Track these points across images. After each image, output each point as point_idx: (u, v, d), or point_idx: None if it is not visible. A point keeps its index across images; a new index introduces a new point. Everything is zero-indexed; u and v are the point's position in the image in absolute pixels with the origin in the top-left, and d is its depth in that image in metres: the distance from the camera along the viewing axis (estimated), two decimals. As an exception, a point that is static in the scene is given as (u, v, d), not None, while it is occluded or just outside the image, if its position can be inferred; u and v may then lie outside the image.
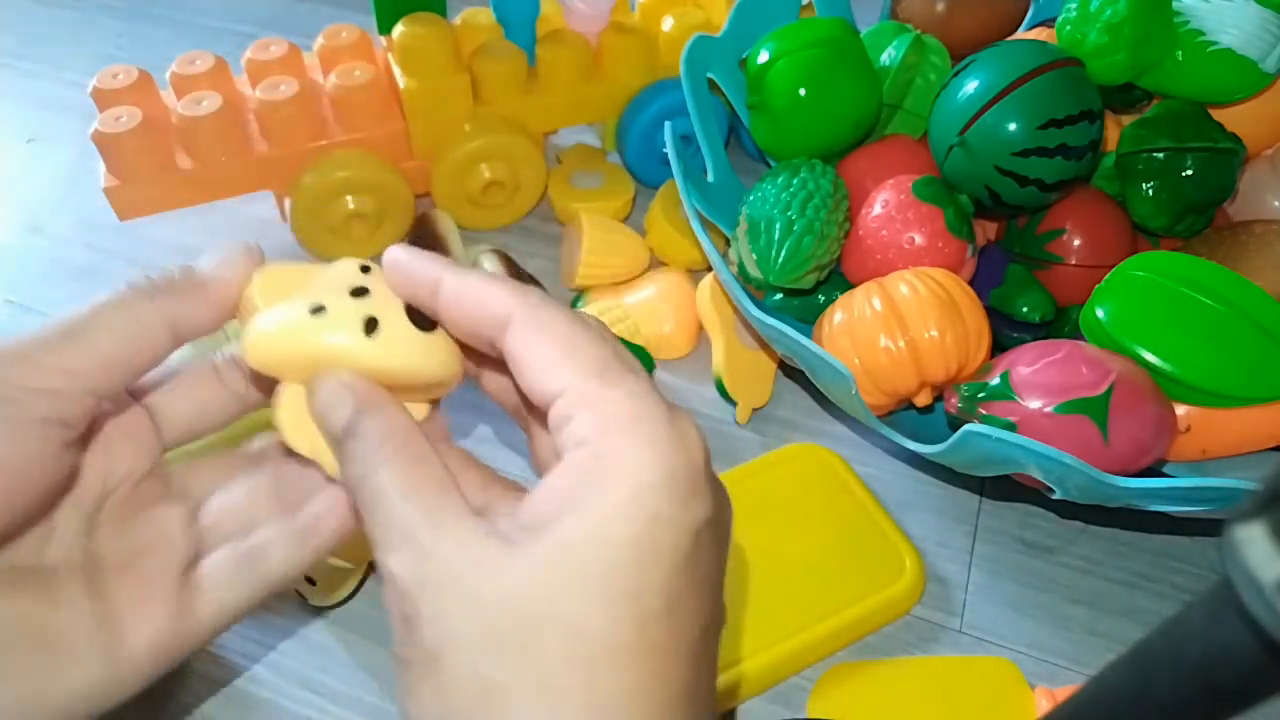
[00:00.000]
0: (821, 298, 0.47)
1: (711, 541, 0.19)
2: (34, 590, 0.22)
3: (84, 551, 0.23)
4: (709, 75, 0.50)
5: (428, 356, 0.23)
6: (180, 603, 0.23)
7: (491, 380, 0.26)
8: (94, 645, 0.22)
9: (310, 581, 0.38)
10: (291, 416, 0.23)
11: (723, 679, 0.37)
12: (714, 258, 0.43)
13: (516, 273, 0.50)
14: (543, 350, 0.20)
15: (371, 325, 0.22)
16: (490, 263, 0.50)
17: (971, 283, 0.44)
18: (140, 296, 0.22)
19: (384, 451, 0.20)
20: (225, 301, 0.23)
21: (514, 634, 0.17)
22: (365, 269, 0.24)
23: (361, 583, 0.40)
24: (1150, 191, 0.44)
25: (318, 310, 0.22)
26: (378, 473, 0.20)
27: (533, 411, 0.24)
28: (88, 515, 0.24)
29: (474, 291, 0.21)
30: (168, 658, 0.24)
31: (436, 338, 0.23)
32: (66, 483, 0.23)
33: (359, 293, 0.22)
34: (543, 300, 0.21)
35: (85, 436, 0.23)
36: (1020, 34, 0.54)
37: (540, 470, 0.24)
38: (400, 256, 0.23)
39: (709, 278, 0.49)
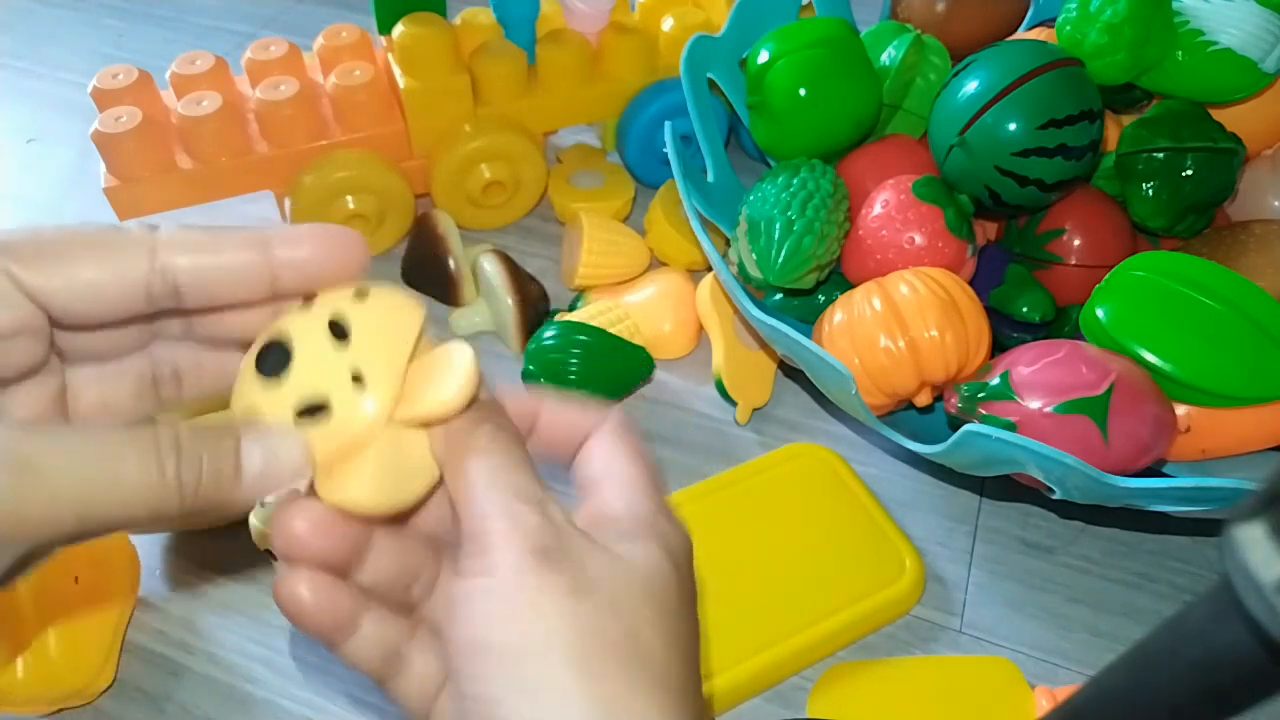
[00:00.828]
0: (821, 298, 0.47)
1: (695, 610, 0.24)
2: None
3: None
4: (709, 75, 0.50)
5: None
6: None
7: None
8: None
9: None
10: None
11: (723, 679, 0.37)
12: (714, 258, 0.43)
13: (516, 273, 0.50)
14: (622, 445, 0.25)
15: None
16: (490, 263, 0.50)
17: (971, 283, 0.44)
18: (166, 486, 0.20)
19: (516, 433, 0.23)
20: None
21: (636, 605, 0.21)
22: (338, 329, 0.22)
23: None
24: (1150, 191, 0.44)
25: (316, 411, 0.21)
26: (511, 442, 0.22)
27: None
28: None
29: (578, 401, 0.25)
30: None
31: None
32: None
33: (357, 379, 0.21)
34: (628, 420, 0.25)
35: None
36: (1020, 34, 0.54)
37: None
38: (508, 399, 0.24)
39: (709, 278, 0.49)
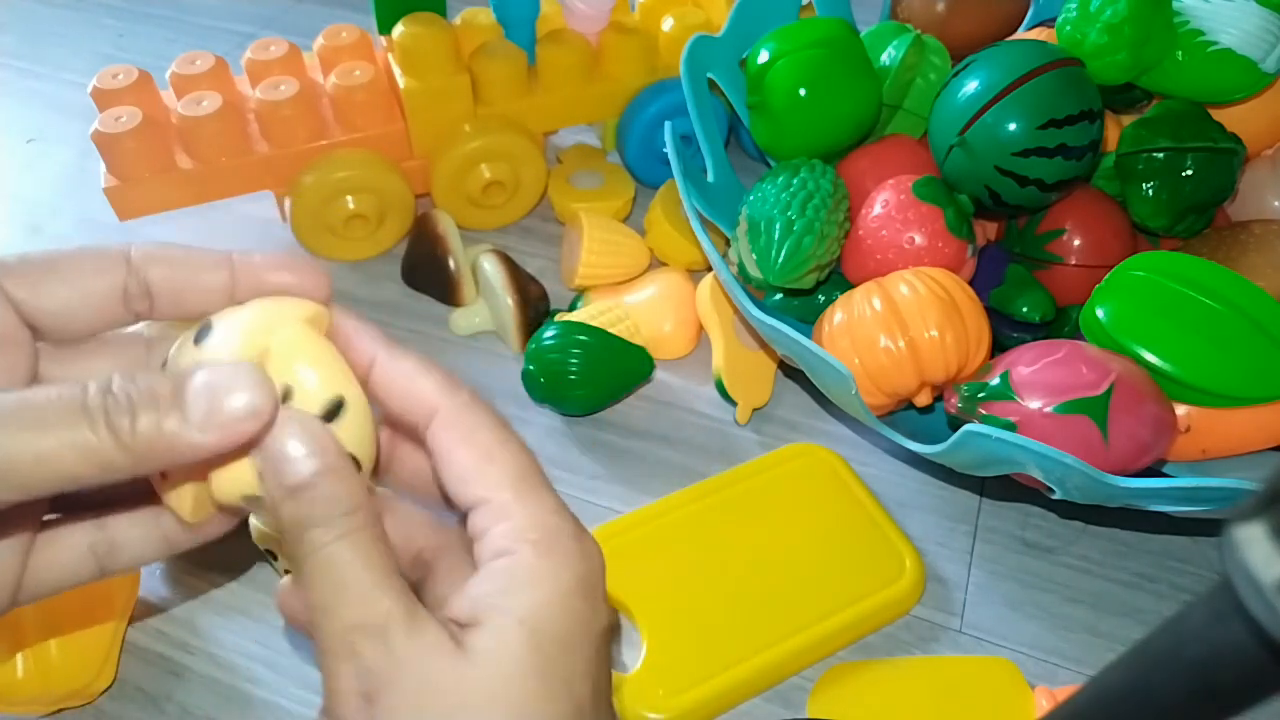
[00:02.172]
0: (821, 298, 0.47)
1: (610, 635, 0.22)
2: None
3: None
4: (709, 75, 0.50)
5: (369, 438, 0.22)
6: (13, 576, 0.22)
7: (408, 464, 0.25)
8: None
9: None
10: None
11: (723, 679, 0.37)
12: (714, 258, 0.43)
13: (516, 273, 0.50)
14: (463, 455, 0.22)
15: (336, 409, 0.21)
16: (490, 263, 0.50)
17: (971, 283, 0.44)
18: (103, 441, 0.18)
19: (351, 522, 0.20)
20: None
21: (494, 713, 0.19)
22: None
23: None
24: (1150, 191, 0.44)
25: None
26: (340, 544, 0.20)
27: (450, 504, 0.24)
28: None
29: (403, 380, 0.22)
30: None
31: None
32: None
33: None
34: (471, 400, 0.22)
35: None
36: (1020, 34, 0.54)
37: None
38: (345, 326, 0.22)
39: (709, 278, 0.49)
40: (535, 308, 0.50)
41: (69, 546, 0.23)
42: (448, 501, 0.23)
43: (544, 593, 0.20)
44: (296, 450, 0.20)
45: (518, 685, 0.20)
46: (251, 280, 0.22)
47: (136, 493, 0.23)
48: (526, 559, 0.21)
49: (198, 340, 0.21)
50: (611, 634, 0.22)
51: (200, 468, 0.21)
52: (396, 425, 0.23)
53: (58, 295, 0.21)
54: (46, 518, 0.23)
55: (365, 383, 0.22)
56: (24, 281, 0.21)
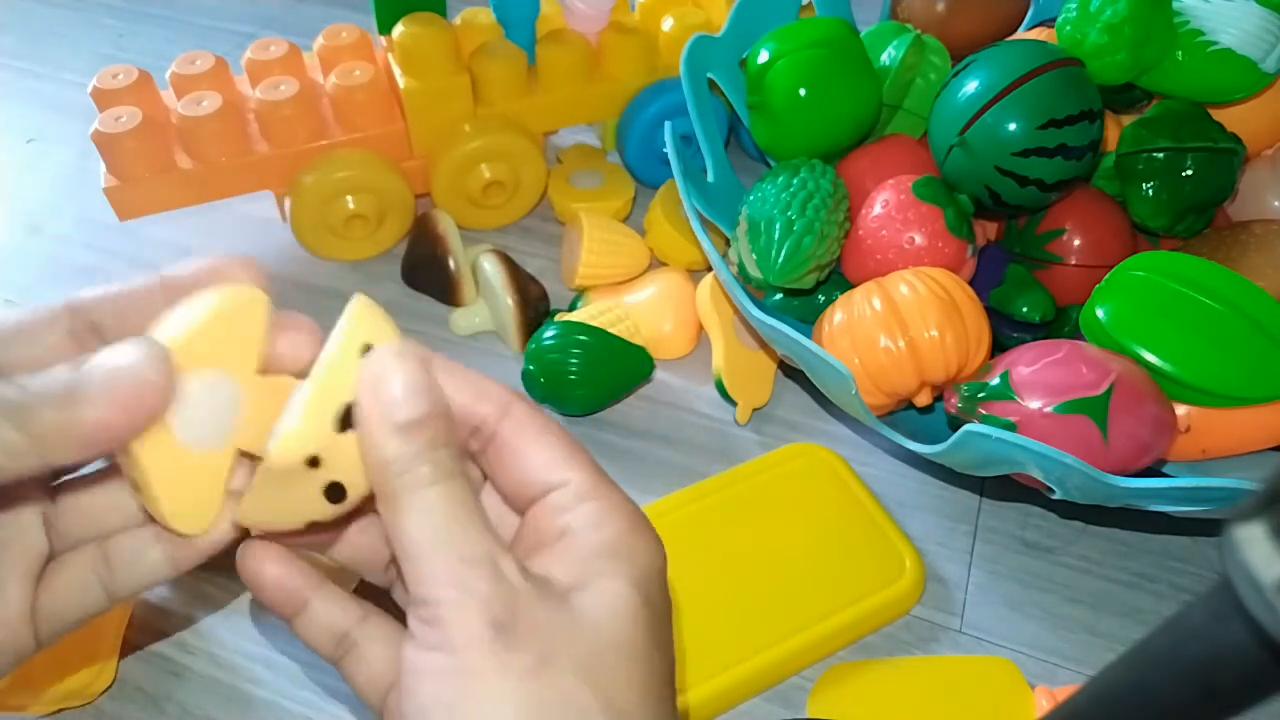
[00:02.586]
0: (821, 298, 0.47)
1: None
2: None
3: None
4: (709, 75, 0.50)
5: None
6: (21, 618, 0.22)
7: (358, 538, 0.25)
8: None
9: None
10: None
11: (723, 679, 0.37)
12: (714, 258, 0.43)
13: (516, 273, 0.50)
14: (547, 441, 0.22)
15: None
16: (490, 263, 0.50)
17: (971, 283, 0.44)
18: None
19: (457, 465, 0.21)
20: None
21: (604, 661, 0.20)
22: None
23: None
24: (1150, 191, 0.44)
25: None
26: (450, 483, 0.20)
27: (511, 502, 0.24)
28: None
29: (474, 379, 0.23)
30: (16, 662, 0.22)
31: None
32: None
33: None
34: (535, 404, 0.24)
35: None
36: (1020, 34, 0.54)
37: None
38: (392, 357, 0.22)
39: (709, 278, 0.49)
40: (535, 308, 0.50)
41: (73, 577, 0.23)
42: (400, 574, 0.23)
43: (644, 565, 0.21)
44: (407, 388, 0.20)
45: (633, 639, 0.20)
46: (185, 293, 0.22)
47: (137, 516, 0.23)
48: (629, 532, 0.22)
49: None
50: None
51: (188, 475, 0.21)
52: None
53: (21, 354, 0.21)
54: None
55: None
56: None
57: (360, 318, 0.21)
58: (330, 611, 0.24)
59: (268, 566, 0.23)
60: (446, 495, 0.20)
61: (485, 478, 0.24)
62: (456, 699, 0.19)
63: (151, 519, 0.22)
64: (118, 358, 0.19)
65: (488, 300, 0.52)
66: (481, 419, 0.22)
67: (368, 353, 0.21)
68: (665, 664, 0.21)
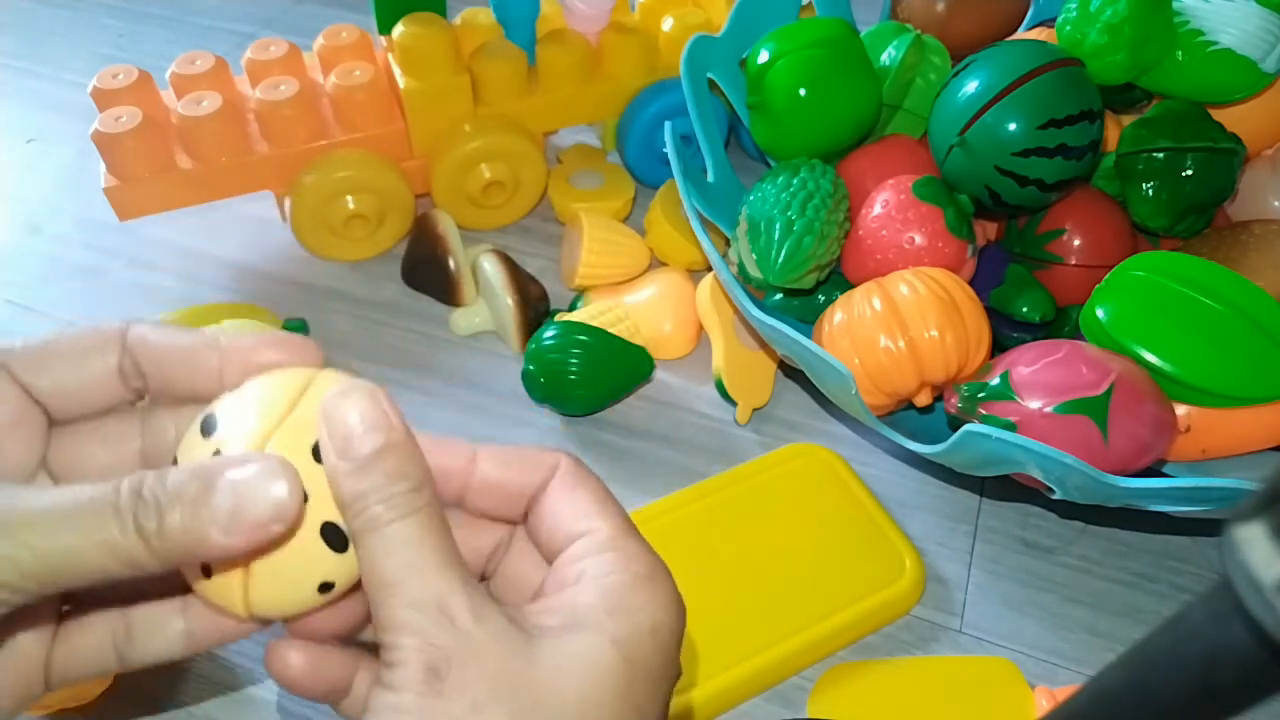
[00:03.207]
0: (821, 298, 0.47)
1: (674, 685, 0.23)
2: None
3: None
4: (709, 75, 0.50)
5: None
6: (35, 677, 0.22)
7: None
8: None
9: None
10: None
11: (723, 679, 0.37)
12: (714, 258, 0.43)
13: (516, 273, 0.50)
14: (581, 495, 0.23)
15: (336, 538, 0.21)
16: (490, 263, 0.50)
17: (971, 283, 0.44)
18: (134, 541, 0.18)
19: (417, 500, 0.20)
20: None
21: (547, 714, 0.19)
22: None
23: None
24: (1150, 191, 0.44)
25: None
26: (407, 520, 0.20)
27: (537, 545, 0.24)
28: None
29: (523, 452, 0.23)
30: (20, 706, 0.22)
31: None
32: None
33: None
34: (580, 461, 0.24)
35: None
36: (1020, 34, 0.54)
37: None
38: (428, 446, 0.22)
39: (709, 278, 0.49)
40: (535, 308, 0.50)
41: (91, 636, 0.23)
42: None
43: (644, 622, 0.21)
44: (361, 424, 0.20)
45: (597, 698, 0.20)
46: (239, 361, 0.22)
47: (159, 588, 0.23)
48: (632, 586, 0.21)
49: (205, 432, 0.20)
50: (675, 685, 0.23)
51: (248, 557, 0.20)
52: (504, 507, 0.24)
53: (60, 377, 0.22)
54: (65, 608, 0.23)
55: (467, 480, 0.23)
56: (30, 365, 0.22)
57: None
58: (372, 682, 0.23)
59: (292, 657, 0.23)
60: (402, 535, 0.20)
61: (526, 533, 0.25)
62: None
63: (181, 590, 0.23)
64: (257, 491, 0.19)
65: (488, 300, 0.52)
66: (534, 489, 0.23)
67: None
68: None
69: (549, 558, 0.23)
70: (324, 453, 0.20)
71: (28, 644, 0.22)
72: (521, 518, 0.24)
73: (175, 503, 0.18)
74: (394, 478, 0.20)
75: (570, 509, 0.23)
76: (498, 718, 0.19)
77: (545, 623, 0.21)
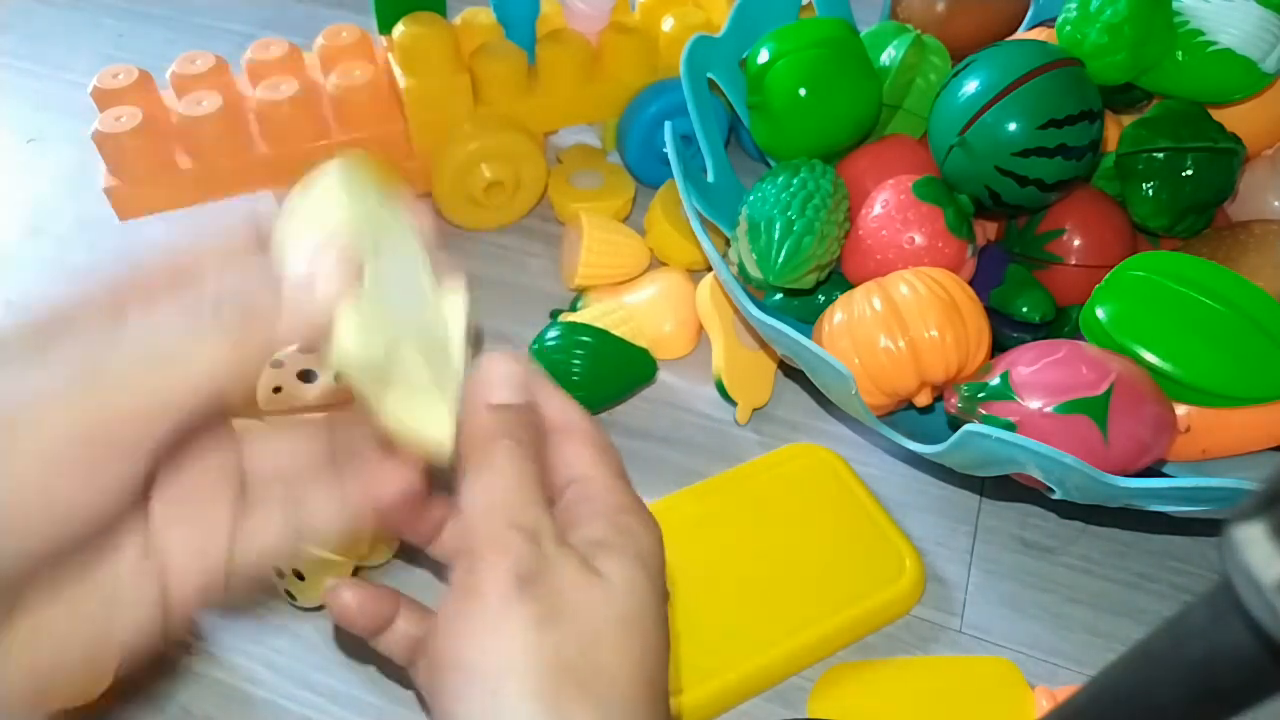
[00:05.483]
0: (821, 298, 0.47)
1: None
2: (95, 543, 0.22)
3: (142, 501, 0.23)
4: (709, 75, 0.50)
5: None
6: (223, 554, 0.24)
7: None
8: (145, 595, 0.23)
9: (300, 577, 0.38)
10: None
11: (723, 679, 0.37)
12: (714, 258, 0.43)
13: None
14: (584, 445, 0.26)
15: None
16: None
17: (971, 283, 0.44)
18: (226, 333, 0.21)
19: (532, 446, 0.24)
20: (317, 320, 0.22)
21: (607, 632, 0.22)
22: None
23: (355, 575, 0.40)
24: (1150, 191, 0.44)
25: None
26: (522, 458, 0.24)
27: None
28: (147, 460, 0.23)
29: (566, 397, 0.27)
30: (208, 603, 0.25)
31: None
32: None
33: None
34: (597, 422, 0.27)
35: None
36: (1020, 34, 0.54)
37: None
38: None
39: (709, 278, 0.49)
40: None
41: (262, 517, 0.25)
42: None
43: (645, 544, 0.24)
44: (506, 380, 0.25)
45: (637, 613, 0.23)
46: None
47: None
48: (631, 520, 0.24)
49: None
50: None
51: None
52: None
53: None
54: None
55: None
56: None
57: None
58: (411, 626, 0.27)
59: (345, 595, 0.27)
60: (516, 469, 0.23)
61: None
62: (474, 636, 0.21)
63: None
64: (321, 291, 0.21)
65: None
66: (556, 425, 0.26)
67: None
68: (660, 643, 0.23)
69: (551, 496, 0.26)
70: (472, 391, 0.25)
71: (219, 518, 0.24)
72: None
73: (247, 288, 0.21)
74: (525, 424, 0.25)
75: (573, 456, 0.26)
76: (569, 625, 0.22)
77: (586, 551, 0.23)
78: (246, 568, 0.25)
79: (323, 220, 0.23)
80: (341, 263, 0.22)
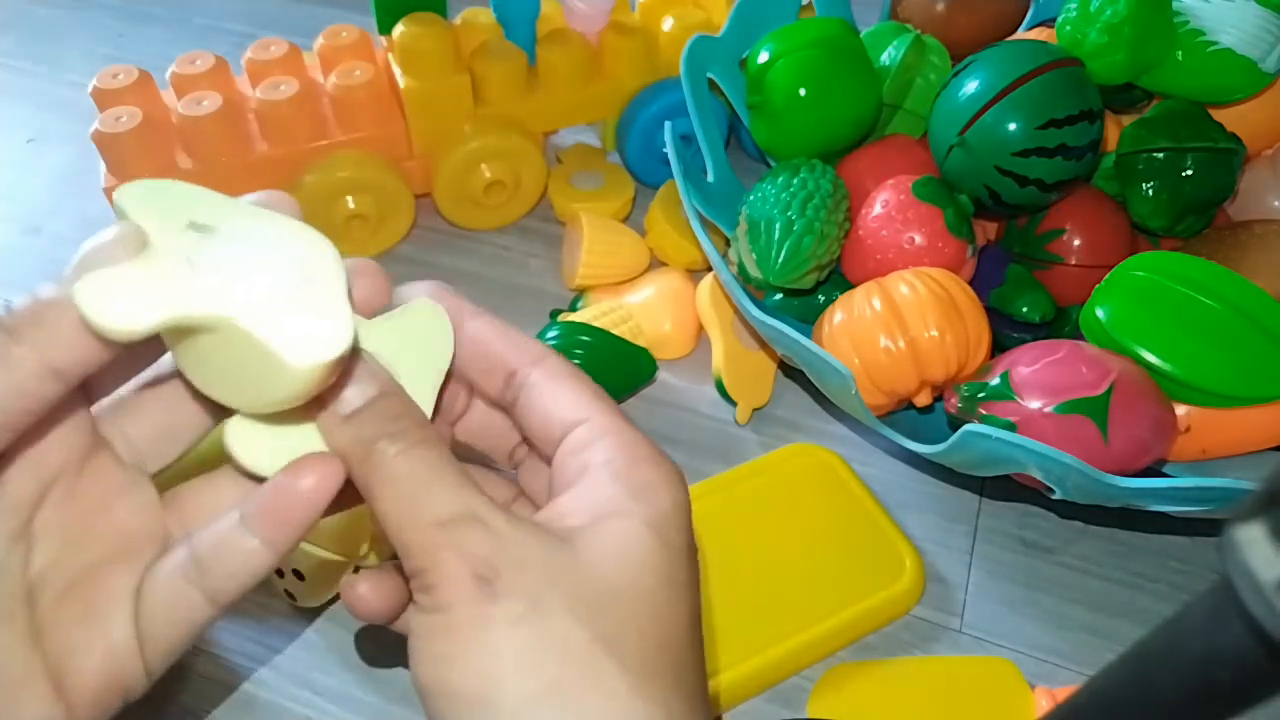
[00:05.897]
0: (821, 298, 0.47)
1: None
2: None
3: (21, 577, 0.20)
4: (709, 75, 0.50)
5: None
6: (128, 634, 0.21)
7: (473, 421, 0.26)
8: (40, 690, 0.20)
9: (300, 577, 0.38)
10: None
11: (723, 679, 0.37)
12: (714, 258, 0.43)
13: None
14: (570, 386, 0.23)
15: None
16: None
17: (971, 283, 0.44)
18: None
19: (421, 434, 0.21)
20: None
21: (604, 601, 0.20)
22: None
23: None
24: (1150, 191, 0.44)
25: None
26: (415, 450, 0.20)
27: (530, 446, 0.25)
28: (15, 531, 0.20)
29: (511, 331, 0.24)
30: (128, 694, 0.22)
31: None
32: None
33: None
34: (567, 360, 0.24)
35: None
36: (1020, 34, 0.54)
37: (533, 496, 0.26)
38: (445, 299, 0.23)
39: (709, 278, 0.49)
40: None
41: (166, 586, 0.22)
42: (526, 443, 0.25)
43: (665, 501, 0.21)
44: (352, 383, 0.21)
45: (645, 580, 0.20)
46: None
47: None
48: (646, 471, 0.22)
49: None
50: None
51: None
52: (487, 378, 0.24)
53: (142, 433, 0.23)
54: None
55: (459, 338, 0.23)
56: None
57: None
58: None
59: (360, 587, 0.23)
60: (411, 462, 0.20)
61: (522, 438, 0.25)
62: (454, 654, 0.19)
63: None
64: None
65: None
66: (516, 367, 0.23)
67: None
68: (685, 605, 0.21)
69: (544, 447, 0.23)
70: (320, 417, 0.21)
71: (116, 614, 0.21)
72: (501, 396, 0.24)
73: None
74: (393, 418, 0.20)
75: (563, 397, 0.23)
76: (559, 608, 0.19)
77: (571, 523, 0.21)
78: (164, 649, 0.22)
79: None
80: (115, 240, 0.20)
